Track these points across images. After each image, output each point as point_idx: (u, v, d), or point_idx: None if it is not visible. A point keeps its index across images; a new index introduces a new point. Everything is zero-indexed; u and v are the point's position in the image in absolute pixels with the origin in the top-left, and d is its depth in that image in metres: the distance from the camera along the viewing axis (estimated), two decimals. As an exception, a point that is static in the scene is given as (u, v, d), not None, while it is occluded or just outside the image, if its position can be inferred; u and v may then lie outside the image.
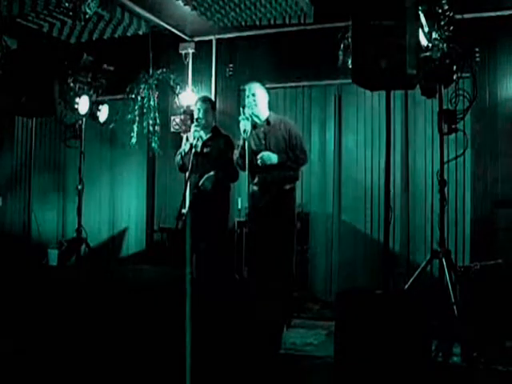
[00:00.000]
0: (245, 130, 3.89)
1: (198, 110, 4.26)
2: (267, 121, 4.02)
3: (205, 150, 4.22)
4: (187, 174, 4.14)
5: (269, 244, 3.94)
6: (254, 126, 4.01)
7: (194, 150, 4.12)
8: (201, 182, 4.10)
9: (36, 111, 4.22)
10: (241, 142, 4.01)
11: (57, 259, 4.86)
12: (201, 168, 4.17)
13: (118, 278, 3.70)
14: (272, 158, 3.88)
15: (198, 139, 4.15)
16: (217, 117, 5.49)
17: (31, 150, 4.40)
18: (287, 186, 3.97)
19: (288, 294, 3.97)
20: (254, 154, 3.95)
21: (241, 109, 3.99)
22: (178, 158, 4.33)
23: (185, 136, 4.52)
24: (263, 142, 3.99)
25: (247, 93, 4.01)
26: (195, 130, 4.14)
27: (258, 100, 3.98)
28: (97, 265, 4.85)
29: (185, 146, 4.26)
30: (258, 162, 3.88)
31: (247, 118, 3.90)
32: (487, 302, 3.28)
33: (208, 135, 4.29)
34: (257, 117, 3.99)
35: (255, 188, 4.03)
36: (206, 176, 4.10)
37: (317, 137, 5.19)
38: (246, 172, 4.04)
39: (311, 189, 5.15)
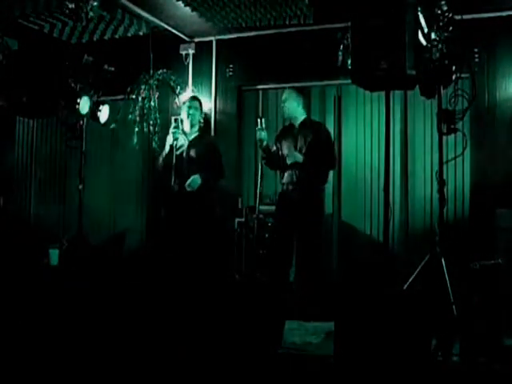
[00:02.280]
0: (260, 140, 4.16)
1: (188, 107, 4.34)
2: (301, 123, 4.22)
3: (190, 151, 4.30)
4: (172, 175, 4.20)
5: (295, 240, 4.11)
6: (291, 126, 4.27)
7: (179, 151, 4.23)
8: (187, 183, 4.18)
9: (37, 111, 4.24)
10: (261, 151, 4.28)
11: (58, 259, 4.86)
12: (186, 169, 4.25)
13: (118, 278, 3.72)
14: (296, 157, 4.09)
15: (177, 140, 4.25)
16: (217, 117, 5.58)
17: (32, 150, 4.42)
18: (314, 186, 4.11)
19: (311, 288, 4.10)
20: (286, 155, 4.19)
21: (258, 120, 4.23)
22: (160, 159, 4.42)
23: (167, 138, 4.62)
24: (294, 143, 4.19)
25: (282, 98, 4.33)
26: (175, 132, 4.24)
27: (288, 105, 4.24)
28: (97, 264, 4.85)
29: (166, 148, 4.34)
30: (287, 160, 4.13)
31: (262, 129, 4.16)
32: (486, 302, 3.29)
33: (194, 136, 4.35)
34: (292, 119, 4.27)
35: (284, 187, 4.22)
36: (192, 177, 4.18)
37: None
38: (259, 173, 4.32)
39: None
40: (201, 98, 5.57)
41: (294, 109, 4.23)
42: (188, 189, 4.19)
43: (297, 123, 4.24)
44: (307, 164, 4.06)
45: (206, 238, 4.26)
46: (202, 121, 4.60)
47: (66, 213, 6.02)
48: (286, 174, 4.18)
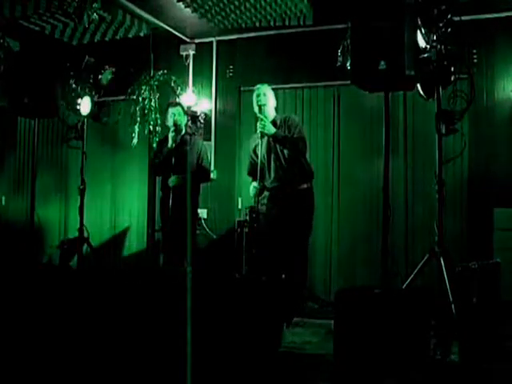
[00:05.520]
0: (262, 132, 3.95)
1: (173, 114, 4.47)
2: (274, 122, 4.06)
3: (178, 153, 4.41)
4: (171, 177, 4.38)
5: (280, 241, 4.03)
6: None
7: (171, 155, 4.38)
8: (169, 179, 4.37)
9: (38, 112, 4.26)
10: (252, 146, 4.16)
11: (59, 259, 4.89)
12: (175, 171, 4.37)
13: (119, 278, 3.73)
14: (271, 128, 3.93)
15: (176, 142, 4.41)
16: (217, 117, 5.60)
17: (34, 151, 4.43)
18: (304, 186, 4.06)
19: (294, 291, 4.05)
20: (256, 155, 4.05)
21: (259, 107, 4.01)
22: (156, 161, 4.56)
23: (160, 141, 4.73)
24: (271, 144, 4.04)
25: (258, 93, 4.05)
26: (173, 136, 4.40)
27: (268, 100, 4.04)
28: (99, 264, 4.88)
29: (165, 150, 4.46)
30: (258, 127, 3.96)
31: (262, 119, 3.96)
32: (485, 301, 3.31)
33: (181, 139, 4.48)
34: (265, 117, 4.02)
35: (266, 192, 4.09)
36: (175, 176, 4.35)
37: (316, 137, 5.22)
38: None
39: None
40: (201, 98, 5.63)
41: (272, 108, 4.09)
42: (170, 184, 4.37)
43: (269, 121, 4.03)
44: (278, 139, 3.93)
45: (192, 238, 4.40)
46: (187, 123, 4.72)
47: (67, 213, 6.04)
48: (270, 177, 4.05)
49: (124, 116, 5.58)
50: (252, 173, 4.21)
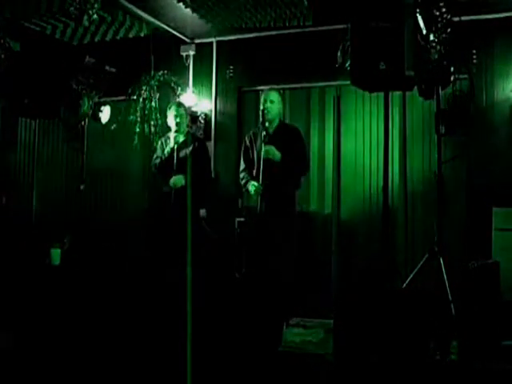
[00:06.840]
0: (267, 154, 3.91)
1: (175, 116, 4.46)
2: (278, 127, 4.08)
3: (180, 154, 4.41)
4: (173, 177, 4.35)
5: (271, 244, 3.99)
6: (266, 133, 4.00)
7: (173, 155, 4.37)
8: (171, 180, 4.34)
9: (39, 112, 4.27)
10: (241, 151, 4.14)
11: (59, 259, 4.88)
12: (177, 171, 4.36)
13: (119, 278, 3.74)
14: (276, 154, 3.91)
15: (179, 143, 4.40)
16: (217, 118, 5.60)
17: (34, 151, 4.45)
18: (291, 192, 4.03)
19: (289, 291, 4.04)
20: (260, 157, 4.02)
21: (266, 115, 4.00)
22: (158, 161, 4.53)
23: (161, 141, 4.72)
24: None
25: (264, 98, 4.06)
26: (176, 135, 4.39)
27: (275, 107, 4.05)
28: (99, 264, 4.88)
29: (167, 150, 4.45)
30: (262, 153, 3.91)
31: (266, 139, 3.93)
32: (484, 301, 3.31)
33: (183, 139, 4.48)
34: (270, 123, 4.03)
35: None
36: (176, 176, 4.32)
37: (316, 138, 5.23)
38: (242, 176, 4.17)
39: (311, 189, 5.19)
40: (201, 98, 5.64)
41: (278, 113, 4.09)
42: (171, 185, 4.35)
43: (273, 127, 4.06)
44: (284, 164, 3.92)
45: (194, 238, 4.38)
46: (188, 124, 4.74)
47: (68, 213, 6.04)
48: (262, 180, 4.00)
49: (124, 116, 5.58)
50: (247, 164, 4.18)
